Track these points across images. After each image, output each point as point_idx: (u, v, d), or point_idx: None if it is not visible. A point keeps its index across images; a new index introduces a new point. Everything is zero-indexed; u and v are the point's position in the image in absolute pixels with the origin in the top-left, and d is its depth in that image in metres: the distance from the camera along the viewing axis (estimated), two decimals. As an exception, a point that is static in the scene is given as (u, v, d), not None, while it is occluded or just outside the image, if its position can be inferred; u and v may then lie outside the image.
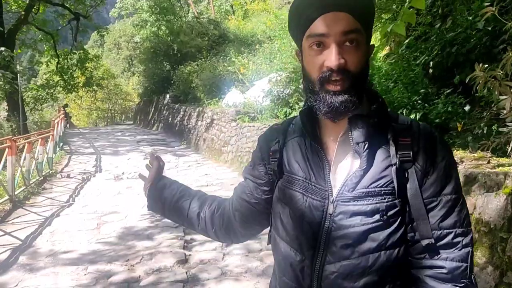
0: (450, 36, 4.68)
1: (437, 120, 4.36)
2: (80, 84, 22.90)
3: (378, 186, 0.93)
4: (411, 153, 0.94)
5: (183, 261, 4.13)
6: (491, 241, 2.08)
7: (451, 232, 0.93)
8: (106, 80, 27.50)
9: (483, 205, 2.18)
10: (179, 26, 19.69)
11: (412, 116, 4.42)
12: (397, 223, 0.94)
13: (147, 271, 3.91)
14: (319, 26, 0.91)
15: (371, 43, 1.00)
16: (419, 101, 4.68)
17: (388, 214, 0.93)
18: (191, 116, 14.03)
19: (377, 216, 0.92)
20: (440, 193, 0.94)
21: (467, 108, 4.27)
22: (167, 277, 3.79)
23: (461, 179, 2.43)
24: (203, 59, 15.75)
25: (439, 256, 0.92)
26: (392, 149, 0.94)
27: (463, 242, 0.93)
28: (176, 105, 16.47)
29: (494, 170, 2.24)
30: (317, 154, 1.01)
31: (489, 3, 3.40)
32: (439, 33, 4.91)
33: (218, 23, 19.34)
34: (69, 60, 20.32)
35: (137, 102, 28.42)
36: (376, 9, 7.74)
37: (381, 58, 6.85)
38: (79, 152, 12.61)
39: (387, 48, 6.49)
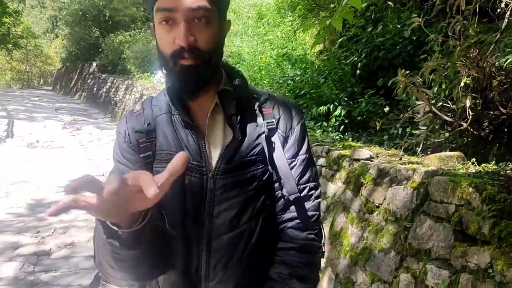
0: (379, 41, 4.99)
1: (359, 118, 4.66)
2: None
3: (253, 154, 0.99)
4: (274, 121, 1.03)
5: (100, 236, 4.00)
6: (396, 229, 2.31)
7: (306, 187, 1.03)
8: (25, 39, 25.06)
9: (392, 197, 2.40)
10: (114, -9, 18.50)
11: (337, 112, 4.68)
12: (270, 186, 1.01)
13: (59, 245, 3.73)
14: (166, 0, 0.88)
15: (228, 19, 1.00)
16: (345, 98, 4.96)
17: (263, 180, 1.00)
18: (119, 88, 13.37)
19: (255, 183, 0.99)
20: (298, 154, 1.04)
21: (386, 109, 4.61)
22: (81, 252, 3.64)
23: (375, 172, 2.65)
24: (137, 30, 15.04)
25: (298, 208, 1.02)
26: (260, 119, 1.01)
27: (315, 194, 1.04)
28: (103, 75, 15.56)
29: (404, 166, 2.48)
30: (190, 130, 0.98)
31: (416, 15, 3.68)
32: (369, 36, 5.21)
33: (157, -5, 18.52)
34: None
35: (58, 67, 26.34)
36: (315, 6, 7.96)
37: (315, 54, 7.11)
38: (-13, 114, 11.45)
39: (321, 45, 6.74)
